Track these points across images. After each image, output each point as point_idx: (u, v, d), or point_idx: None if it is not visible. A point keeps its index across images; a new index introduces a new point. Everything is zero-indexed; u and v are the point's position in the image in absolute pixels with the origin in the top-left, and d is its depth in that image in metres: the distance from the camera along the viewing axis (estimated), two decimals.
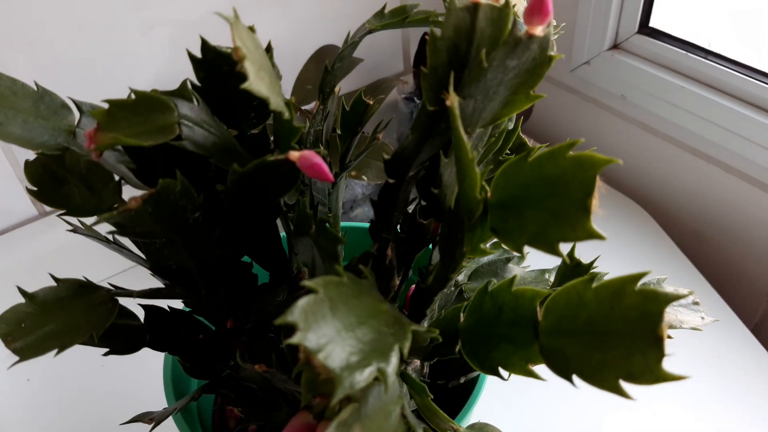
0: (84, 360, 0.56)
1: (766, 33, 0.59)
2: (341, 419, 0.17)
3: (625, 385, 0.19)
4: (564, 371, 0.20)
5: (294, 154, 0.24)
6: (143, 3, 0.63)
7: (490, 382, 0.52)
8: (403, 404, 0.21)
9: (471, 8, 0.21)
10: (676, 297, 0.18)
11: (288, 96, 0.69)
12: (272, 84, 0.23)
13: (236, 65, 0.21)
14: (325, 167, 0.23)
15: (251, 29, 0.24)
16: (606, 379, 0.19)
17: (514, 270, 0.38)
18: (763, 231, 0.62)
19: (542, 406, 0.52)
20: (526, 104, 0.24)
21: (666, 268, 0.62)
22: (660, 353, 0.18)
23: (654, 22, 0.65)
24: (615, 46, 0.67)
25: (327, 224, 0.25)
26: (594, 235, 0.19)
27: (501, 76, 0.23)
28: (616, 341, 0.19)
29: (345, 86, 0.65)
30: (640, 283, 0.20)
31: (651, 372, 0.18)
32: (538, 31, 0.21)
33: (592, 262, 0.30)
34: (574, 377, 0.20)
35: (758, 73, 0.57)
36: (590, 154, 0.19)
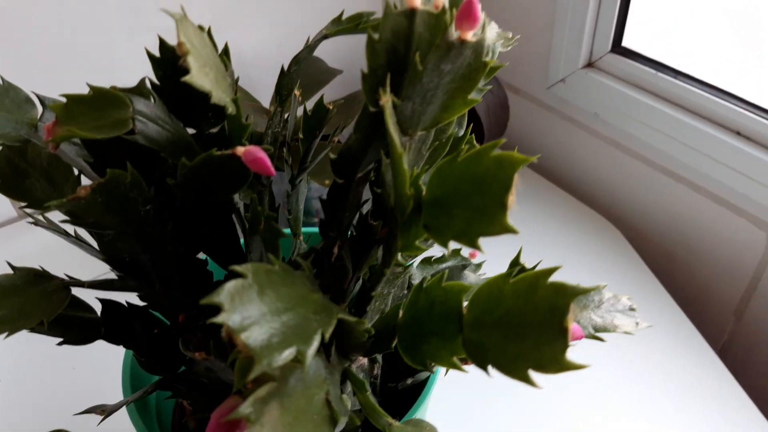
0: (57, 362, 0.57)
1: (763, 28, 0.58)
2: (258, 395, 0.18)
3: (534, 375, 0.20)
4: (482, 362, 0.21)
5: (240, 149, 0.25)
6: (132, 9, 0.64)
7: (452, 387, 0.52)
8: (328, 390, 0.21)
9: (408, 13, 0.23)
10: (584, 291, 0.19)
11: (268, 102, 0.70)
12: (218, 80, 0.24)
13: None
14: (267, 161, 0.24)
15: (201, 28, 0.25)
16: (517, 369, 0.20)
17: (470, 277, 0.39)
18: (729, 250, 0.64)
19: (504, 411, 0.53)
20: (464, 108, 0.25)
21: (633, 286, 0.63)
22: (564, 344, 0.19)
23: (628, 42, 0.67)
24: (589, 65, 0.69)
25: (273, 220, 0.26)
26: (509, 230, 0.20)
27: (437, 80, 0.24)
28: (529, 332, 0.20)
29: (325, 96, 0.66)
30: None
31: (556, 361, 0.19)
32: (470, 36, 0.22)
33: (535, 266, 0.31)
34: (490, 368, 0.21)
35: (725, 94, 0.59)
36: (510, 153, 0.21)
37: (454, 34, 0.22)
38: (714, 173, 0.59)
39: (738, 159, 0.57)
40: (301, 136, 0.36)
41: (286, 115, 0.34)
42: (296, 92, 0.34)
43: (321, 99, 0.35)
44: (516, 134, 0.82)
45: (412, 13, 0.22)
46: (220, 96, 0.23)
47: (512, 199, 0.20)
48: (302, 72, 0.36)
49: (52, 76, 0.63)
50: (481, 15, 0.22)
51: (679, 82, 0.61)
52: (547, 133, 0.77)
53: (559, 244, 0.68)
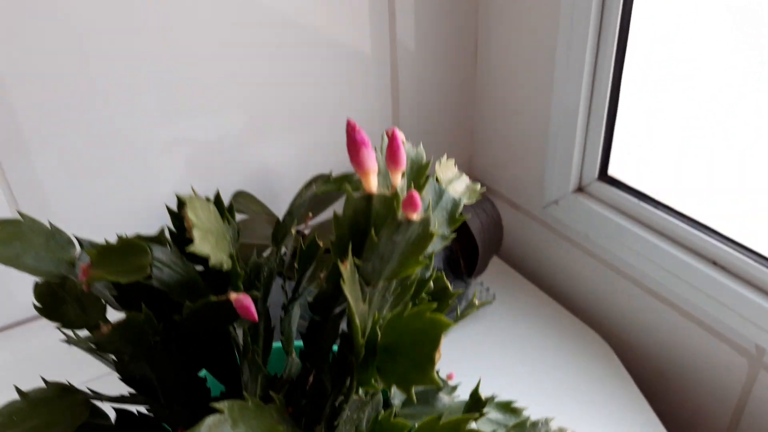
0: None
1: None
2: None
3: None
4: None
5: (232, 296, 0.30)
6: (167, 121, 0.71)
7: None
8: None
9: (366, 197, 0.29)
10: None
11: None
12: (218, 242, 0.30)
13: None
14: (252, 310, 0.29)
15: (208, 200, 0.31)
16: None
17: (444, 399, 0.43)
18: (715, 374, 0.66)
19: None
20: (418, 266, 0.31)
21: (621, 405, 0.65)
22: None
23: (615, 170, 0.73)
24: (579, 189, 0.74)
25: (256, 354, 0.31)
26: (434, 383, 0.25)
27: (392, 247, 0.29)
28: None
29: (328, 212, 0.72)
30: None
31: None
32: (415, 216, 0.28)
33: (490, 398, 0.35)
34: None
35: (702, 227, 0.63)
36: (440, 317, 0.26)
37: (402, 214, 0.28)
38: (694, 299, 0.63)
39: (714, 287, 0.60)
40: (296, 266, 0.42)
41: (283, 253, 0.40)
42: (292, 231, 0.40)
43: (314, 238, 0.41)
44: (514, 247, 0.87)
45: (369, 197, 0.28)
46: (217, 257, 0.29)
47: (438, 356, 0.25)
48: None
49: (90, 194, 0.71)
50: (422, 204, 0.28)
51: (660, 213, 0.66)
52: (543, 249, 0.82)
53: (549, 357, 0.70)
